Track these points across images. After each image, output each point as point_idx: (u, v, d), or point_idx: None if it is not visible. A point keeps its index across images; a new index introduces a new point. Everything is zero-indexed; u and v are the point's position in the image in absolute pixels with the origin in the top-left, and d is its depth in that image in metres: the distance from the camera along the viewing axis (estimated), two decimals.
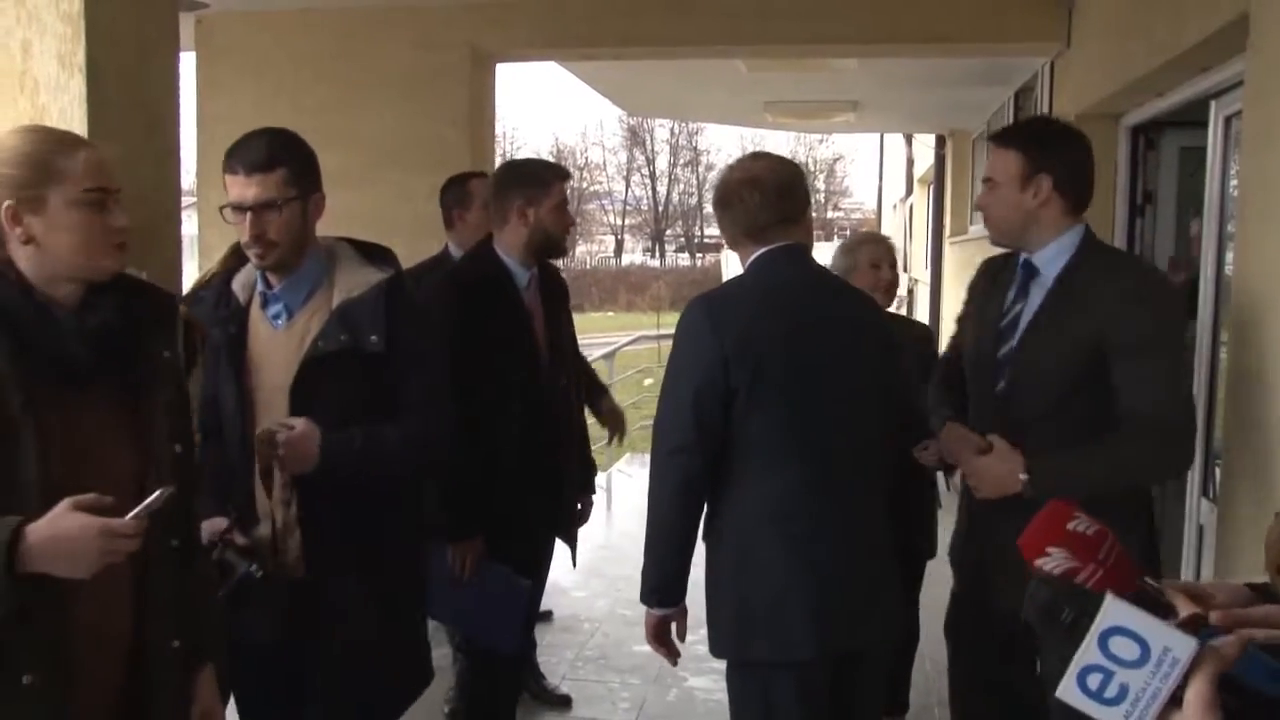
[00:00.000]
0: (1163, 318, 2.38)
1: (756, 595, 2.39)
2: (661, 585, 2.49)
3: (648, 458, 3.82)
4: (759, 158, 2.62)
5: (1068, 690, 0.97)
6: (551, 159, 38.55)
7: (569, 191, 3.37)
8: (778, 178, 2.51)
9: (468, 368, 2.84)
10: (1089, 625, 0.97)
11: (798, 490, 2.38)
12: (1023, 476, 2.35)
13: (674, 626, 2.54)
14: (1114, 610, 0.97)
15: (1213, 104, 3.50)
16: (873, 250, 3.56)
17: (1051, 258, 2.48)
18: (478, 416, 2.91)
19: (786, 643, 2.37)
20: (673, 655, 2.57)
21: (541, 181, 3.23)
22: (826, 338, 2.43)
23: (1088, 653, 0.97)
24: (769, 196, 2.47)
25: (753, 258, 2.51)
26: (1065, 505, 1.20)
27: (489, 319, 3.12)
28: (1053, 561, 1.11)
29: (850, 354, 2.45)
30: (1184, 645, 0.95)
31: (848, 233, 29.27)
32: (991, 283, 2.69)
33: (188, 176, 3.35)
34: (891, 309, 3.70)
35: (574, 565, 3.77)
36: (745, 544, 2.41)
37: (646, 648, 4.10)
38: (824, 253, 3.68)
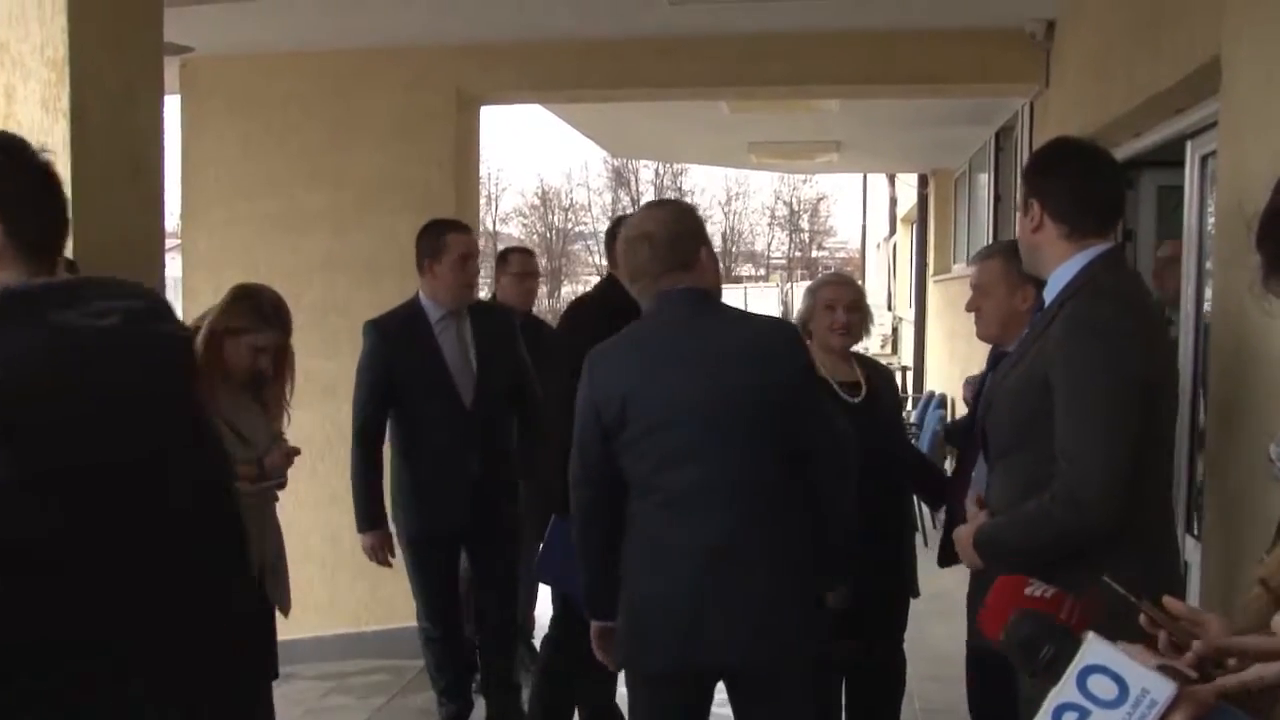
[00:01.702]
0: (1085, 355, 2.20)
1: (629, 612, 2.61)
2: (589, 600, 2.72)
3: None
4: (655, 207, 2.84)
5: None
6: (537, 200, 38.28)
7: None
8: (668, 230, 2.64)
9: None
10: (1068, 662, 0.97)
11: (662, 515, 2.54)
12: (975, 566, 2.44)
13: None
14: (1095, 649, 0.97)
15: (1189, 144, 3.55)
16: (829, 292, 3.48)
17: (1052, 288, 2.39)
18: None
19: (645, 656, 2.59)
20: (613, 663, 2.75)
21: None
22: (692, 372, 2.53)
23: (1065, 690, 0.97)
24: (659, 249, 2.61)
25: (649, 304, 2.67)
26: (1015, 577, 1.20)
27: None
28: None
29: (722, 386, 2.51)
30: (1162, 688, 0.95)
31: (833, 271, 29.33)
32: None
33: (171, 219, 3.35)
34: (864, 348, 3.67)
35: None
36: (625, 566, 2.61)
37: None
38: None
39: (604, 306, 3.73)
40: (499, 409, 4.02)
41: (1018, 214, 2.50)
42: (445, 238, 3.92)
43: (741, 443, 2.53)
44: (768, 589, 2.53)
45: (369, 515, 3.95)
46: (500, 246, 6.16)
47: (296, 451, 3.31)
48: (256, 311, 3.19)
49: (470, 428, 3.91)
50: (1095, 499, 2.15)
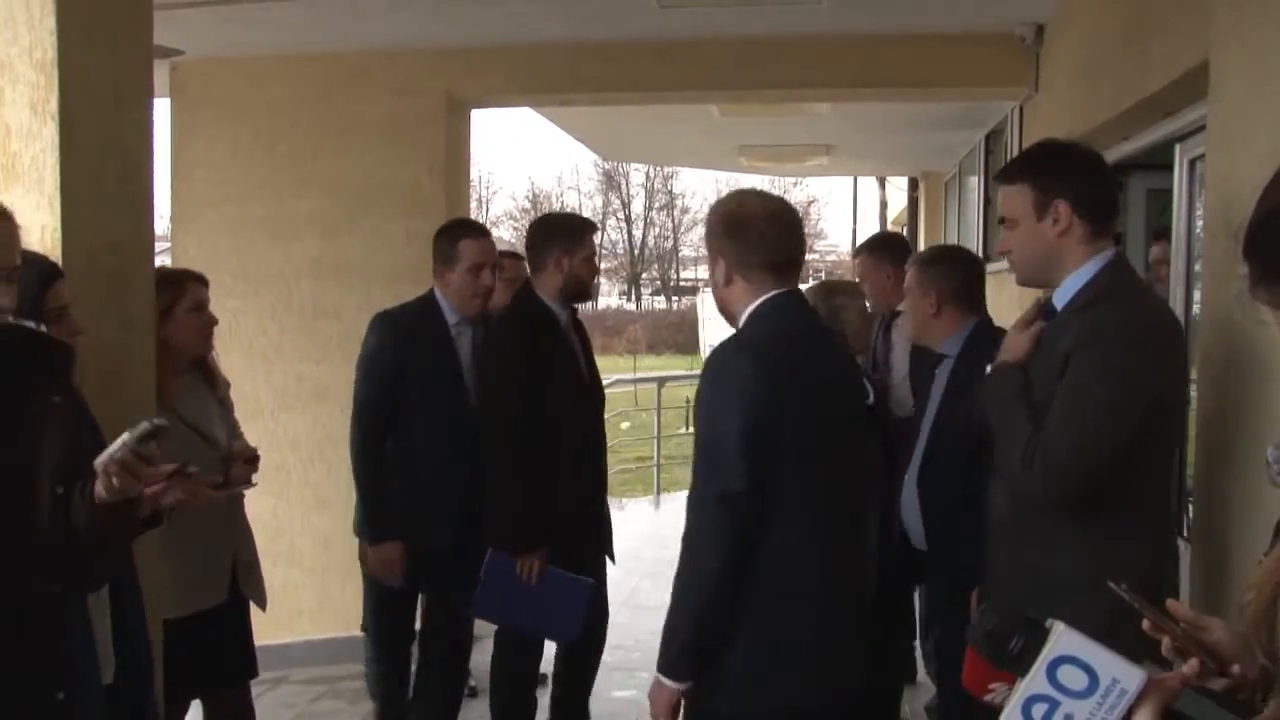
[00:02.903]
0: (1110, 356, 2.17)
1: (770, 645, 2.27)
2: (694, 651, 2.25)
3: (624, 500, 3.83)
4: (756, 194, 2.52)
5: None
6: (528, 203, 38.01)
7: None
8: (788, 215, 2.47)
9: (527, 394, 3.38)
10: (1038, 653, 0.97)
11: (815, 538, 2.30)
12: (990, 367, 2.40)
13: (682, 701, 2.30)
14: (1065, 639, 0.97)
15: (1178, 147, 3.56)
16: (865, 299, 3.58)
17: (1065, 293, 2.31)
18: (540, 435, 3.40)
19: (797, 689, 2.28)
20: None
21: (577, 234, 3.64)
22: (838, 385, 2.45)
23: (1035, 682, 0.97)
24: (782, 233, 2.40)
25: (765, 299, 2.36)
26: (981, 667, 1.19)
27: (539, 351, 3.51)
28: (999, 695, 1.11)
29: (850, 403, 2.47)
30: (1132, 677, 0.96)
31: (823, 275, 29.44)
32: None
33: (161, 222, 3.34)
34: None
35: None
36: (767, 592, 2.26)
37: (626, 693, 4.08)
38: None
39: (521, 322, 3.59)
40: None
41: (1024, 225, 2.34)
42: (458, 245, 3.63)
43: (856, 477, 2.42)
44: (872, 617, 2.54)
45: (383, 524, 3.58)
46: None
47: (257, 456, 3.23)
48: (164, 280, 3.14)
49: (471, 442, 3.59)
50: (1057, 474, 2.15)
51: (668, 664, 2.25)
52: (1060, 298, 2.33)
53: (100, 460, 1.73)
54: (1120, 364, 2.18)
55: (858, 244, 4.82)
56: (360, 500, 3.64)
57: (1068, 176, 2.33)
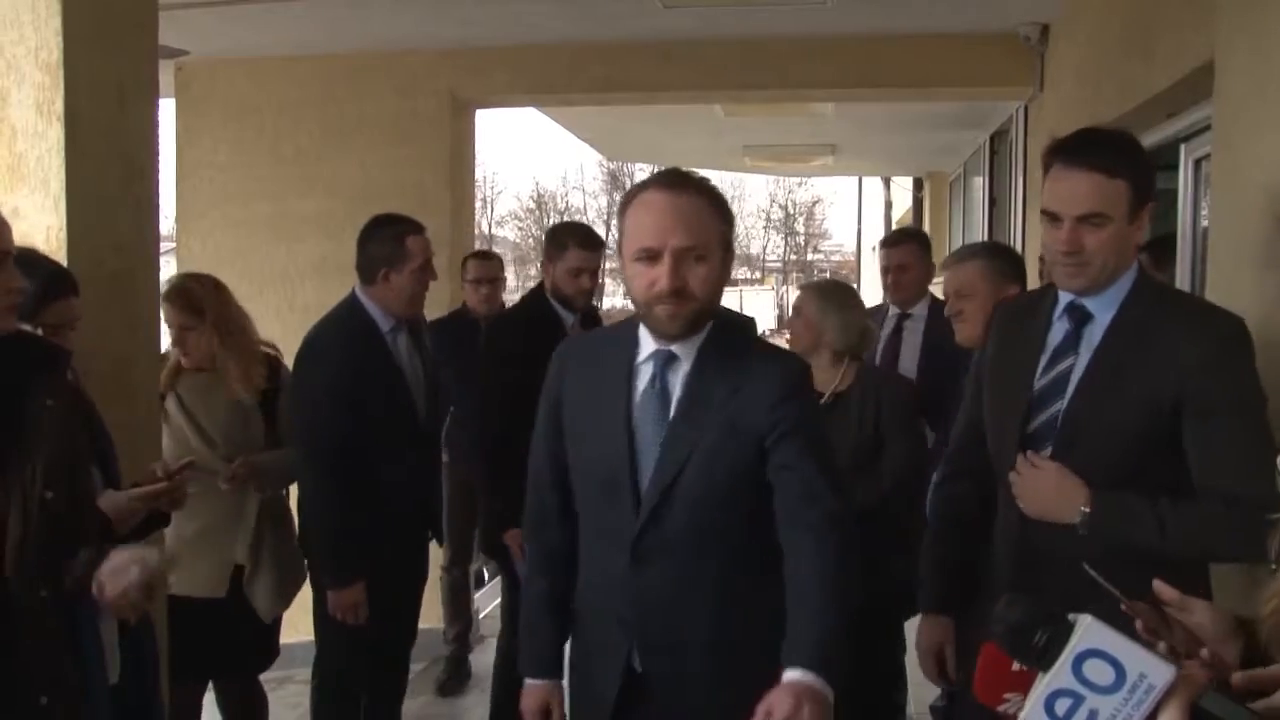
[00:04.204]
0: (1246, 374, 1.97)
1: None
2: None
3: None
4: None
5: (1034, 716, 0.95)
6: (533, 203, 37.82)
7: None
8: None
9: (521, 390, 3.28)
10: (1062, 648, 0.95)
11: None
12: (1084, 509, 2.00)
13: None
14: (1092, 632, 0.95)
15: (1182, 147, 3.55)
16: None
17: (1110, 299, 2.08)
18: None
19: None
20: None
21: (558, 244, 3.65)
22: None
23: (1059, 676, 0.94)
24: None
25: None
26: (997, 650, 1.14)
27: (533, 349, 3.44)
28: (1014, 706, 1.08)
29: None
30: (1161, 672, 0.93)
31: (827, 274, 29.45)
32: (1018, 330, 2.23)
33: (166, 222, 3.34)
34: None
35: None
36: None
37: None
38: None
39: (516, 323, 3.72)
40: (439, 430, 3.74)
41: (1119, 225, 2.03)
42: (405, 242, 3.31)
43: None
44: None
45: (351, 566, 3.17)
46: (496, 250, 6.10)
47: (240, 466, 3.18)
48: (184, 304, 3.20)
49: (427, 456, 3.47)
50: (1262, 511, 1.87)
51: (833, 670, 1.96)
52: (1106, 304, 2.09)
53: (131, 581, 1.85)
54: (1253, 378, 1.99)
55: (883, 237, 4.61)
56: (329, 543, 3.20)
57: (1154, 179, 2.11)
